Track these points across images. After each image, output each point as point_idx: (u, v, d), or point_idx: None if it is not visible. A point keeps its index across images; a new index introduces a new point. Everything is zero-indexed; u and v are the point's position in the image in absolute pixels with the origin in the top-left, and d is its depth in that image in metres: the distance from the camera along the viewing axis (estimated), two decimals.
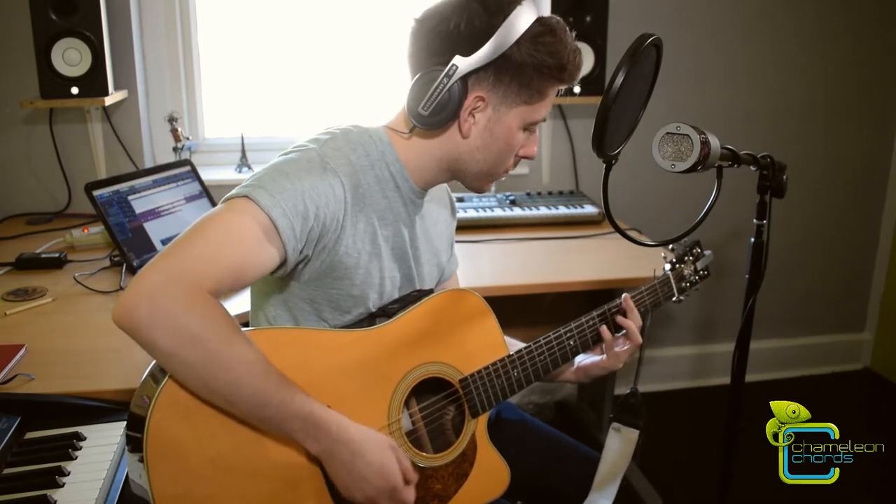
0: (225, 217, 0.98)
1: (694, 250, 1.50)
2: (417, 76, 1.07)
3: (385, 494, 1.01)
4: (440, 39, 1.06)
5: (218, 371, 0.91)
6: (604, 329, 1.30)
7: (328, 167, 1.05)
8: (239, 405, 0.94)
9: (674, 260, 1.47)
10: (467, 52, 1.03)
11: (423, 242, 1.23)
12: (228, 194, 1.01)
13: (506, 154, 1.14)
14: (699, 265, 1.49)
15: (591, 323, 1.30)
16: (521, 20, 1.03)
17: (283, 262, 1.03)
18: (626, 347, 1.32)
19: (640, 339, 1.31)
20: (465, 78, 1.05)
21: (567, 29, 1.10)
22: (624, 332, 1.32)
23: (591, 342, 1.31)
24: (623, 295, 1.33)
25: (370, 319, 1.14)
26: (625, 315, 1.32)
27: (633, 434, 1.33)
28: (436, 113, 1.06)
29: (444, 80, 1.04)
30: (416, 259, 1.22)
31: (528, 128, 1.14)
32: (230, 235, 0.96)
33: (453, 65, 1.03)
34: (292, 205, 0.99)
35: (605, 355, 1.33)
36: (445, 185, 1.36)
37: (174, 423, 0.94)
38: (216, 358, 0.91)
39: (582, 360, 1.36)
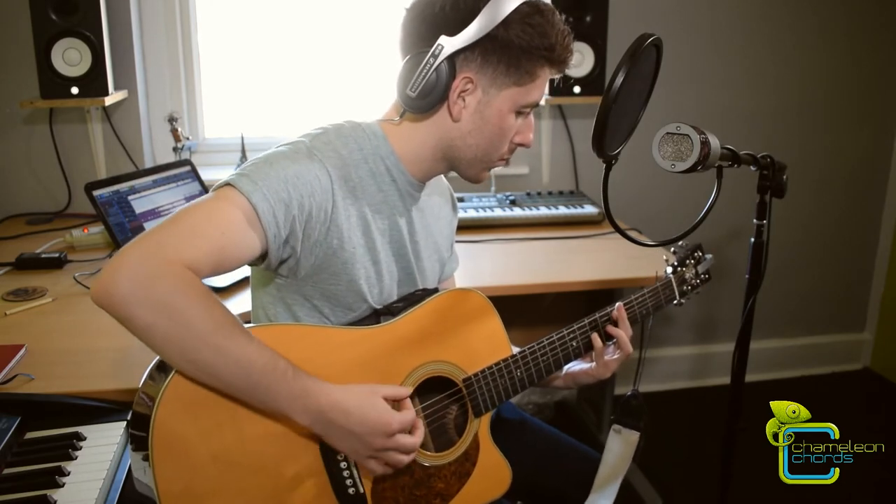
0: (206, 203, 0.98)
1: (695, 253, 1.49)
2: (405, 59, 1.07)
3: (390, 437, 1.01)
4: (427, 23, 1.06)
5: (196, 342, 0.90)
6: (595, 337, 1.28)
7: (314, 158, 1.05)
8: (221, 377, 0.93)
9: (675, 263, 1.47)
10: (453, 33, 1.04)
11: (422, 237, 1.23)
12: (215, 185, 1.02)
13: (499, 139, 1.14)
14: (700, 268, 1.49)
15: (582, 329, 1.29)
16: (508, 1, 1.03)
17: (266, 252, 1.02)
18: (616, 356, 1.29)
19: (630, 349, 1.29)
20: (453, 59, 1.05)
21: (556, 11, 1.10)
22: (614, 340, 1.30)
23: (584, 349, 1.29)
24: (617, 304, 1.31)
25: (374, 317, 1.14)
26: (616, 324, 1.30)
27: (633, 436, 1.32)
28: (424, 95, 1.06)
29: (431, 60, 1.04)
30: (415, 253, 1.22)
31: (521, 112, 1.13)
32: (210, 218, 0.96)
33: (439, 44, 1.04)
34: (274, 191, 0.99)
35: (594, 363, 1.31)
36: (447, 183, 1.36)
37: (178, 421, 0.94)
38: (194, 326, 0.90)
39: (571, 366, 1.34)
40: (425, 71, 1.04)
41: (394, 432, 1.01)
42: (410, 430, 1.05)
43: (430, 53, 1.04)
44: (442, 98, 1.07)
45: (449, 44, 1.03)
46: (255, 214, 0.98)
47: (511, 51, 1.06)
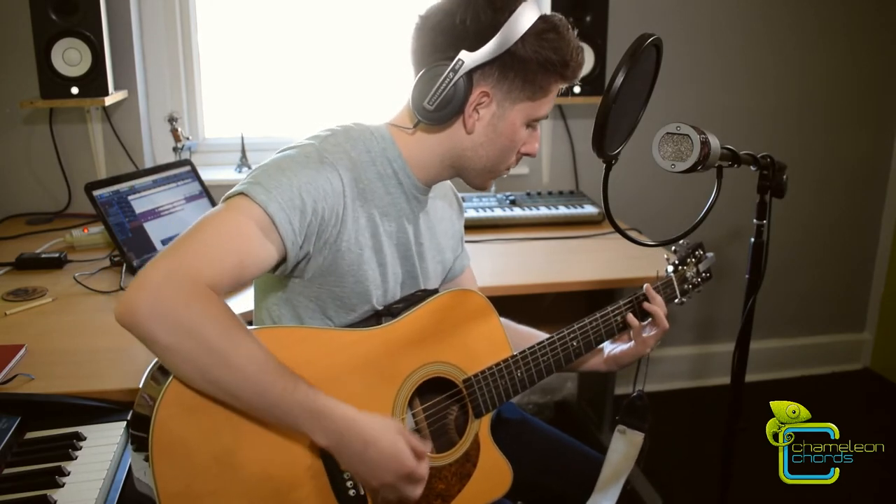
0: (223, 215, 0.98)
1: (696, 252, 1.50)
2: (423, 71, 1.07)
3: (402, 478, 1.01)
4: (445, 35, 1.06)
5: (217, 363, 0.91)
6: (631, 317, 1.33)
7: (325, 161, 1.05)
8: (241, 397, 0.94)
9: (676, 262, 1.47)
10: (473, 48, 1.04)
11: (427, 239, 1.23)
12: (227, 193, 1.02)
13: (509, 150, 1.15)
14: (702, 267, 1.49)
15: (605, 318, 1.32)
16: (525, 17, 1.04)
17: (284, 259, 1.03)
18: (653, 332, 1.34)
19: (666, 324, 1.34)
20: (471, 73, 1.06)
21: (570, 27, 1.10)
22: (650, 319, 1.34)
23: (616, 329, 1.34)
24: (645, 285, 1.35)
25: (375, 318, 1.14)
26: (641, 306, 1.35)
27: (637, 437, 1.33)
28: (441, 108, 1.06)
29: (450, 74, 1.04)
30: (420, 256, 1.22)
31: (531, 124, 1.15)
32: (228, 232, 0.97)
33: (459, 59, 1.04)
34: (289, 199, 0.99)
35: (633, 342, 1.35)
36: (450, 184, 1.36)
37: (179, 422, 0.94)
38: (215, 349, 0.90)
39: (611, 349, 1.38)
40: (444, 84, 1.05)
41: (405, 475, 1.01)
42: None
43: (450, 68, 1.04)
44: (458, 111, 1.08)
45: (469, 59, 1.04)
46: (272, 224, 0.98)
47: (528, 66, 1.07)
